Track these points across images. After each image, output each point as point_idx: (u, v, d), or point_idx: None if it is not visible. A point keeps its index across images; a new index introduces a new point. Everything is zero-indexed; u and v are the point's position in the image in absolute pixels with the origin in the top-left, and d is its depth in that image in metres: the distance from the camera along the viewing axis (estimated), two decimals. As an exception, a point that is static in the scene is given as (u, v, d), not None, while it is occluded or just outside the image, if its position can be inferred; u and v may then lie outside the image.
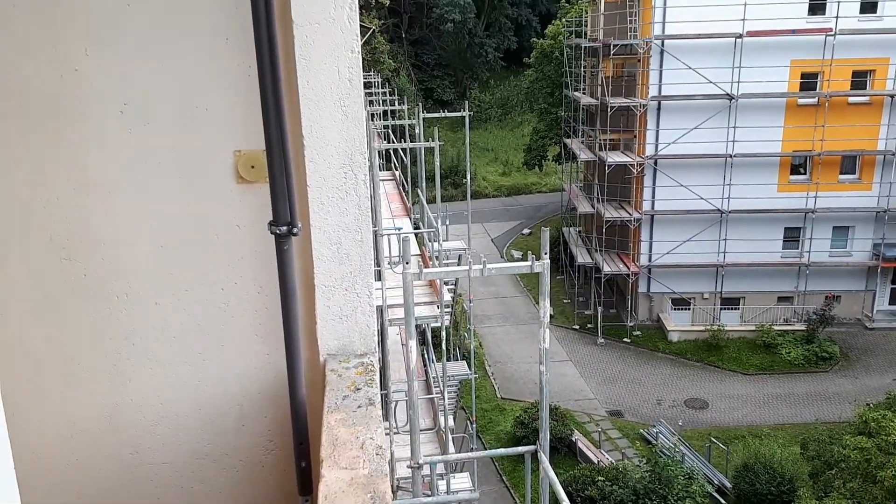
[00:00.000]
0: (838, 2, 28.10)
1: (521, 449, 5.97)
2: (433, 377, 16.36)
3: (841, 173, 30.83)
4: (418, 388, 10.35)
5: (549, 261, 4.80)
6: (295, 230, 2.49)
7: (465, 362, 20.92)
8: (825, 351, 29.06)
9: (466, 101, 19.58)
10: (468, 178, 17.38)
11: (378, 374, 2.87)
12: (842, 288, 31.61)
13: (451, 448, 13.29)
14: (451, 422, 13.91)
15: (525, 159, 50.81)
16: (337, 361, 2.86)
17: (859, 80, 29.61)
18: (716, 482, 21.89)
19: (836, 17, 28.00)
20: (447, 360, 14.54)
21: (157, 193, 2.74)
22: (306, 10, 2.51)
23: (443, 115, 17.40)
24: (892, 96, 29.10)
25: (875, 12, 28.78)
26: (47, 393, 2.90)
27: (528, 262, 4.70)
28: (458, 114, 16.21)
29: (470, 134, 18.10)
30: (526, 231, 47.28)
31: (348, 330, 2.91)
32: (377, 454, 2.18)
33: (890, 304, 32.26)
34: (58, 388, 2.89)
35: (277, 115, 2.39)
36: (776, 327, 30.46)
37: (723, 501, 21.37)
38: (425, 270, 4.72)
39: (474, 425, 22.50)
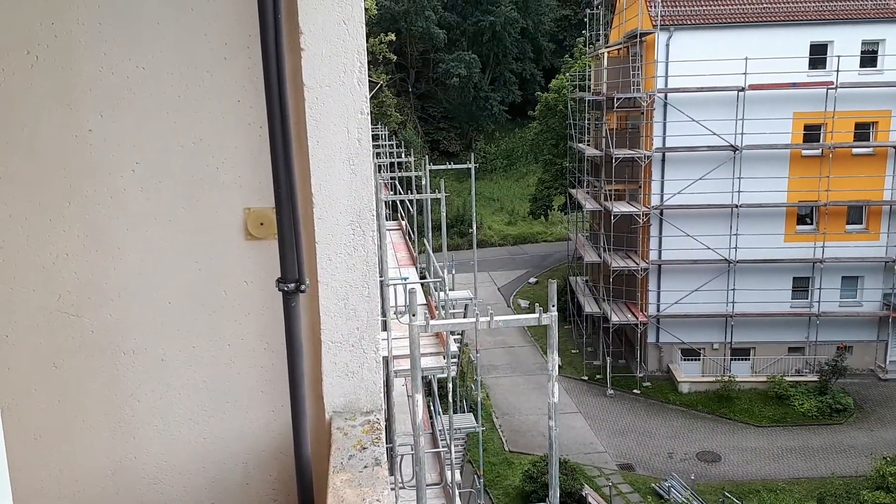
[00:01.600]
0: (838, 56, 28.59)
1: (529, 507, 5.83)
2: (439, 430, 16.13)
3: (848, 223, 30.86)
4: (424, 442, 10.19)
5: (556, 313, 4.79)
6: (303, 287, 2.50)
7: (471, 414, 20.66)
8: (839, 402, 28.57)
9: (472, 153, 19.83)
10: (475, 227, 17.48)
11: (384, 431, 2.84)
12: (853, 338, 31.26)
13: (458, 502, 12.99)
14: (457, 476, 13.65)
15: (531, 209, 51.16)
16: (343, 419, 2.83)
17: (862, 131, 29.89)
18: (731, 539, 21.30)
19: (837, 71, 28.46)
20: (454, 412, 14.35)
21: (166, 250, 2.77)
22: (317, 73, 2.57)
23: (449, 166, 17.61)
24: (895, 147, 29.30)
25: (875, 66, 29.24)
26: (49, 451, 2.87)
27: (536, 315, 4.69)
28: (464, 165, 16.42)
29: (476, 184, 18.28)
30: (532, 280, 47.23)
31: (354, 387, 2.89)
32: (383, 517, 2.13)
33: (903, 354, 31.83)
34: (60, 446, 2.86)
35: (287, 174, 2.42)
36: (788, 378, 30.04)
37: (738, 560, 20.74)
38: (432, 323, 4.70)
39: (482, 479, 22.07)
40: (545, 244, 54.60)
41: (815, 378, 29.81)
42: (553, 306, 4.79)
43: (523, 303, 42.17)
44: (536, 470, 23.64)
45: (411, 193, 17.48)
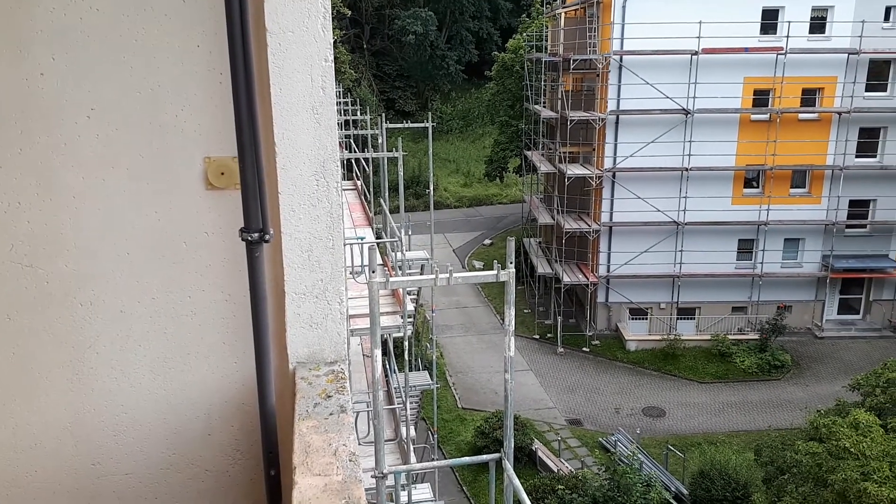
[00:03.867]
0: (789, 22, 29.10)
1: (485, 457, 5.99)
2: (395, 387, 16.30)
3: (792, 187, 31.82)
4: (381, 398, 10.30)
5: (514, 270, 4.85)
6: (267, 237, 2.48)
7: (426, 372, 20.91)
8: (777, 360, 29.85)
9: (430, 113, 19.66)
10: (431, 187, 17.42)
11: (349, 381, 2.87)
12: (793, 298, 32.56)
13: (413, 459, 13.22)
14: (412, 432, 13.87)
15: (486, 171, 51.18)
16: (307, 369, 2.85)
17: (809, 97, 30.65)
18: (673, 489, 22.25)
19: (787, 37, 28.99)
20: (409, 371, 14.50)
21: (123, 199, 2.71)
22: (280, 18, 2.52)
23: (406, 125, 17.43)
24: (839, 113, 30.18)
25: (823, 32, 29.87)
26: (4, 405, 2.82)
27: (494, 271, 4.75)
28: (422, 124, 16.27)
29: (432, 145, 18.18)
30: (487, 241, 47.56)
31: (318, 338, 2.90)
32: (351, 460, 2.18)
33: (839, 313, 33.34)
34: (17, 398, 2.82)
35: (251, 122, 2.39)
36: (731, 337, 31.18)
37: (680, 508, 21.73)
38: (391, 279, 4.73)
39: (436, 436, 22.49)
40: (500, 206, 54.88)
41: (756, 336, 31.04)
42: (511, 263, 4.86)
43: (478, 264, 42.53)
44: (488, 426, 24.19)
45: (367, 152, 17.29)
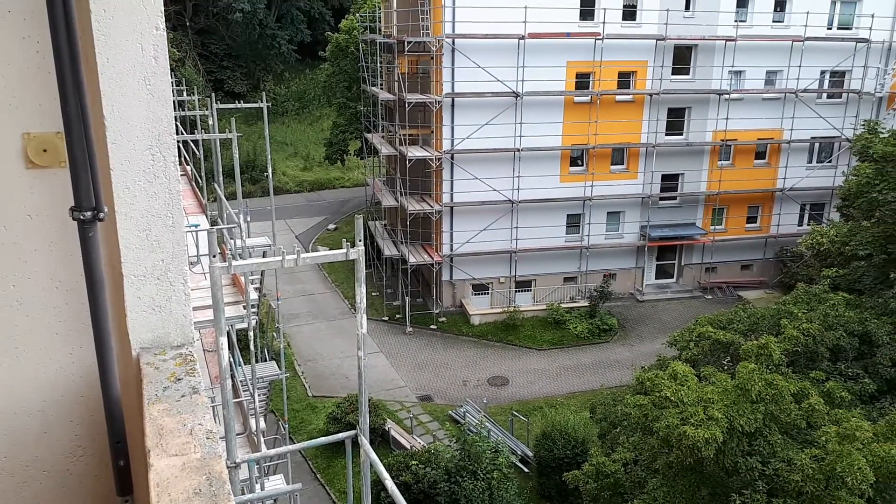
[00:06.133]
0: (605, 9, 31.26)
1: (341, 435, 6.00)
2: (241, 380, 15.77)
3: (612, 164, 34.43)
4: (227, 388, 9.94)
5: (363, 247, 4.90)
6: (101, 215, 2.34)
7: (273, 363, 20.40)
8: (606, 324, 32.39)
9: (263, 94, 18.96)
10: (269, 172, 16.91)
11: (197, 364, 2.79)
12: (617, 267, 35.42)
13: (264, 449, 12.92)
14: (262, 424, 13.54)
15: (326, 154, 50.41)
16: (152, 354, 2.73)
17: (624, 80, 33.21)
18: (519, 452, 23.53)
19: (604, 23, 31.15)
20: (255, 362, 14.08)
21: (-75, 181, 2.43)
22: (104, -18, 2.37)
23: (239, 106, 16.71)
24: (650, 95, 33.01)
25: (635, 19, 32.41)
26: None
27: (344, 250, 4.76)
28: (256, 105, 15.69)
29: (268, 127, 17.61)
30: (331, 226, 47.01)
31: (162, 321, 2.79)
32: (208, 438, 2.14)
33: (656, 278, 36.79)
34: None
35: (77, 94, 2.23)
36: (564, 305, 33.34)
37: (526, 470, 23.04)
38: (235, 263, 4.57)
39: (286, 426, 22.06)
40: (343, 190, 54.36)
41: (587, 303, 33.47)
42: (360, 241, 4.90)
43: (323, 249, 41.97)
44: (340, 411, 24.15)
45: (198, 134, 16.40)
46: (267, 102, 16.79)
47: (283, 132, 62.14)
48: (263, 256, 15.63)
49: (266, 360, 22.08)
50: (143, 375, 2.59)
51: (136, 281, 2.70)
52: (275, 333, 25.69)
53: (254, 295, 11.45)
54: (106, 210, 2.36)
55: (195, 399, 2.40)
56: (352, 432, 6.02)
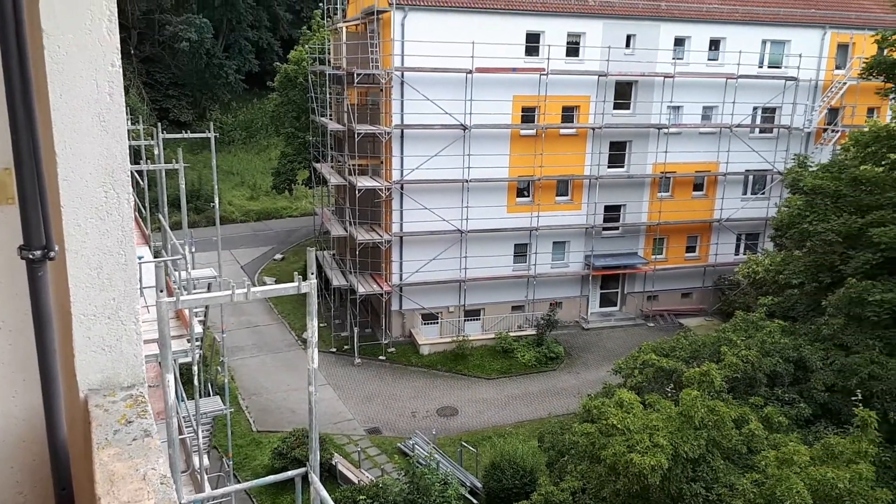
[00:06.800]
0: (549, 45, 32.15)
1: (290, 473, 5.89)
2: (184, 416, 15.29)
3: (557, 195, 35.13)
4: (174, 426, 9.63)
5: (316, 280, 4.87)
6: (52, 254, 2.28)
7: (217, 398, 19.84)
8: (552, 352, 32.70)
9: (211, 123, 18.74)
10: (216, 202, 16.64)
11: (149, 405, 2.72)
12: (563, 295, 35.93)
13: (208, 488, 12.51)
14: (205, 461, 13.13)
15: (273, 183, 49.91)
16: (101, 396, 2.65)
17: (568, 114, 34.09)
18: (468, 484, 23.35)
19: (548, 59, 32.00)
20: (199, 397, 13.68)
21: None
22: (59, 19, 2.33)
23: (186, 136, 16.46)
24: (593, 129, 33.93)
25: (578, 56, 33.41)
26: None
27: (296, 283, 4.72)
28: (203, 135, 15.49)
29: (215, 157, 17.36)
30: (278, 256, 46.36)
31: (112, 361, 2.71)
32: (163, 483, 2.08)
33: (600, 306, 37.45)
34: None
35: (29, 129, 2.18)
36: (512, 334, 33.56)
37: (475, 501, 22.86)
38: (183, 298, 4.46)
39: (230, 462, 21.41)
40: (290, 219, 53.81)
41: (534, 332, 33.77)
42: (312, 274, 4.88)
43: (269, 280, 41.26)
44: (286, 445, 23.56)
45: (143, 164, 16.05)
46: (214, 132, 16.59)
47: (230, 161, 61.35)
48: (209, 288, 15.31)
49: (210, 395, 21.46)
50: (91, 418, 2.50)
51: (85, 320, 2.63)
52: (219, 367, 25.02)
53: (198, 328, 11.18)
54: (57, 248, 2.30)
55: (147, 442, 2.33)
56: (301, 470, 5.90)
